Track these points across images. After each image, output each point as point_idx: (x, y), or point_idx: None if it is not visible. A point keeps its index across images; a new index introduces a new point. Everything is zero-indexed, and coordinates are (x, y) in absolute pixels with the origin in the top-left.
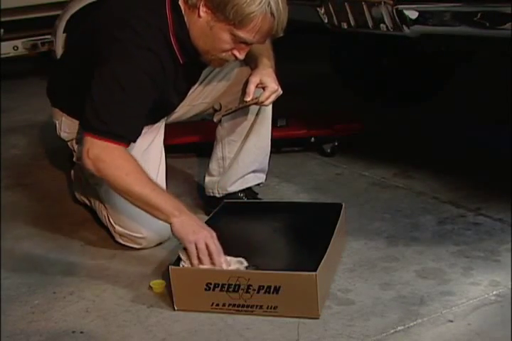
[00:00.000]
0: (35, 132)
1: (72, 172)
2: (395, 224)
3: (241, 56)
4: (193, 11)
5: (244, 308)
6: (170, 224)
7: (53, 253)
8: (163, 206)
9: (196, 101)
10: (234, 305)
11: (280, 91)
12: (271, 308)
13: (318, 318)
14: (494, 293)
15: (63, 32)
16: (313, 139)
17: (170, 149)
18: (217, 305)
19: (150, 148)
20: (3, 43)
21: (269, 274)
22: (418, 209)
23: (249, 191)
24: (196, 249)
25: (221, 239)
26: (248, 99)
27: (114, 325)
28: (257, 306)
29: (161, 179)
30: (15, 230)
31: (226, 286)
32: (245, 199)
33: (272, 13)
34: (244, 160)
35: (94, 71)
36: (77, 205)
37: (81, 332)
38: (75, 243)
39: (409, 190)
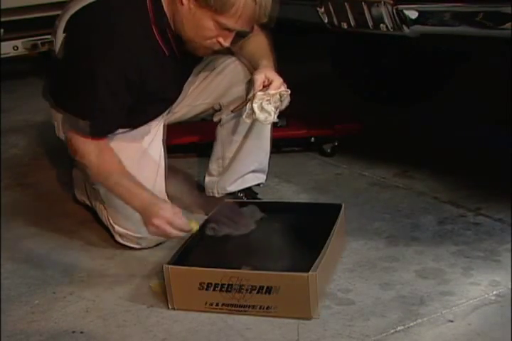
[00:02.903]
0: (35, 132)
1: (73, 172)
2: (395, 224)
3: (226, 43)
4: None
5: (238, 308)
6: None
7: (53, 253)
8: (126, 196)
9: (196, 101)
10: (227, 305)
11: (288, 90)
12: (264, 308)
13: (311, 319)
14: (494, 293)
15: (63, 32)
16: (313, 139)
17: (170, 149)
18: (211, 304)
19: (149, 148)
20: (3, 43)
21: (262, 274)
22: (418, 209)
23: (248, 191)
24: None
25: (220, 238)
26: (256, 90)
27: (114, 325)
28: (250, 306)
29: (160, 179)
30: (15, 230)
31: (219, 286)
32: (245, 199)
33: None
34: (243, 160)
35: (72, 61)
36: (77, 205)
37: (81, 332)
38: (75, 243)
39: (409, 190)
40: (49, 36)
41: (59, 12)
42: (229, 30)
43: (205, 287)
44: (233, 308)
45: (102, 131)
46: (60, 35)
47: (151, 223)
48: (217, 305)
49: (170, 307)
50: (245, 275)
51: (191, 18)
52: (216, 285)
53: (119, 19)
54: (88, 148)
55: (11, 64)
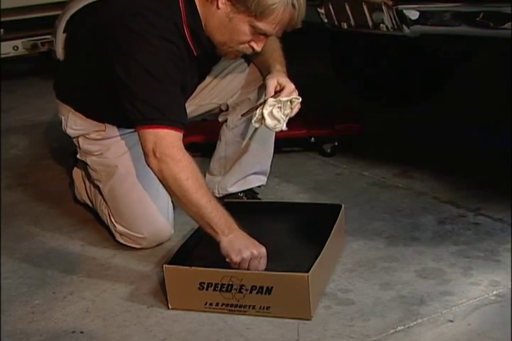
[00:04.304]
0: (35, 132)
1: (74, 170)
2: (395, 224)
3: (259, 48)
4: (211, 2)
5: (237, 308)
6: (218, 241)
7: (53, 253)
8: (215, 222)
9: (204, 101)
10: (227, 305)
11: (299, 98)
12: (263, 308)
13: (310, 319)
14: (494, 293)
15: (63, 32)
16: (313, 139)
17: None
18: (211, 304)
19: None
20: (3, 43)
21: (262, 274)
22: (418, 209)
23: (249, 191)
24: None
25: None
26: (268, 96)
27: (114, 325)
28: (249, 306)
29: None
30: (15, 230)
31: (219, 286)
32: (245, 199)
33: (293, 4)
34: (246, 162)
35: (116, 63)
36: (77, 205)
37: (81, 332)
38: (75, 243)
39: (409, 190)
40: (49, 36)
41: (59, 12)
42: (265, 35)
43: (206, 287)
44: (233, 308)
45: (179, 121)
46: (60, 35)
47: (246, 252)
48: (217, 305)
49: (170, 307)
50: (245, 275)
51: (227, 23)
52: (216, 285)
53: (151, 15)
54: (171, 145)
55: (11, 64)
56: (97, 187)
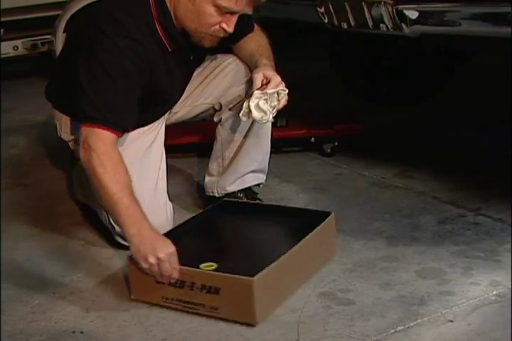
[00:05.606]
0: (35, 132)
1: (73, 172)
2: (395, 224)
3: (230, 28)
4: None
5: (190, 305)
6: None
7: (53, 253)
8: (124, 219)
9: (197, 101)
10: (181, 301)
11: (286, 89)
12: (212, 308)
13: (255, 325)
14: (494, 293)
15: (63, 32)
16: (313, 139)
17: (170, 149)
18: (167, 298)
19: (151, 148)
20: (3, 43)
21: (210, 274)
22: (418, 209)
23: (248, 191)
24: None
25: (192, 234)
26: (255, 89)
27: (114, 325)
28: (200, 304)
29: (162, 178)
30: (15, 230)
31: (174, 281)
32: (245, 199)
33: None
34: (243, 160)
35: (79, 60)
36: (77, 205)
37: (81, 332)
38: (75, 243)
39: (409, 190)
40: (49, 36)
41: (59, 12)
42: (231, 13)
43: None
44: (186, 305)
45: (119, 124)
46: (60, 35)
47: (151, 258)
48: (172, 299)
49: (132, 297)
50: (195, 273)
51: (192, 8)
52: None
53: (123, 15)
54: (101, 141)
55: (11, 64)
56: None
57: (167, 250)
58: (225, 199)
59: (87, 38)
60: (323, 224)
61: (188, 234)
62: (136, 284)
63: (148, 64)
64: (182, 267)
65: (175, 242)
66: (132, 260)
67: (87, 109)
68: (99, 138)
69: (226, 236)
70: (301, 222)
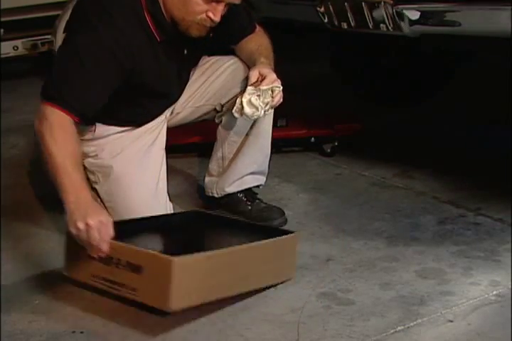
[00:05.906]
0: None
1: None
2: (395, 224)
3: (216, 18)
4: None
5: (113, 285)
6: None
7: (53, 253)
8: (65, 187)
9: (199, 102)
10: (105, 280)
11: (281, 86)
12: (131, 290)
13: (169, 312)
14: (494, 293)
15: (63, 32)
16: (313, 139)
17: (170, 149)
18: (95, 276)
19: (152, 148)
20: (3, 43)
21: (135, 250)
22: (418, 209)
23: (248, 192)
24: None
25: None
26: (249, 85)
27: (114, 325)
28: (121, 284)
29: (162, 178)
30: (15, 230)
31: (104, 256)
32: (244, 199)
33: None
34: (242, 162)
35: (62, 42)
36: None
37: (81, 332)
38: None
39: (409, 190)
40: (49, 36)
41: (59, 12)
42: (217, 2)
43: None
44: (110, 285)
45: (76, 106)
46: (60, 35)
47: (80, 223)
48: (98, 278)
49: (65, 274)
50: (121, 248)
51: None
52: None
53: (111, 3)
54: (55, 119)
55: (11, 64)
56: (95, 189)
57: (98, 217)
58: (196, 209)
59: (72, 22)
60: (278, 238)
61: (140, 226)
62: (69, 259)
63: (130, 54)
64: (111, 241)
65: (122, 229)
66: (70, 234)
67: (51, 87)
68: (56, 113)
69: (177, 236)
70: (263, 238)
